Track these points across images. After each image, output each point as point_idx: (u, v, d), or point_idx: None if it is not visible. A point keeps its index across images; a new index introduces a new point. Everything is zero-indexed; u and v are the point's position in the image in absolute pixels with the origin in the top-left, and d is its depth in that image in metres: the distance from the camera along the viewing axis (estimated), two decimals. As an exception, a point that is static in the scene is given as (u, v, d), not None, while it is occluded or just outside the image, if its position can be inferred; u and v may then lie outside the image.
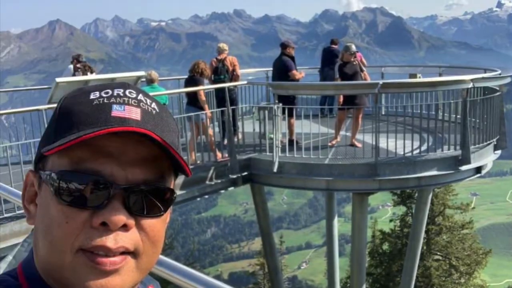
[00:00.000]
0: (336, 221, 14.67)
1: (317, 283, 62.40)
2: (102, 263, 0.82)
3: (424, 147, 9.68)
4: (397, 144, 9.13)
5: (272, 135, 9.50)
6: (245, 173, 9.82)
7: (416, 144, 9.62)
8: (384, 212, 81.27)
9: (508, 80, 10.36)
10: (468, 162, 9.17)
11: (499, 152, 10.55)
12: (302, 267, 77.54)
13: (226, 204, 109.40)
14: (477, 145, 9.66)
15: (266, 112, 9.93)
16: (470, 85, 9.08)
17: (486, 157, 9.97)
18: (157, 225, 0.88)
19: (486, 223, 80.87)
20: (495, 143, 10.33)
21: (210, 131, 9.88)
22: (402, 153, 9.17)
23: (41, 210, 0.87)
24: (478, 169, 9.83)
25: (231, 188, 10.18)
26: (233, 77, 10.97)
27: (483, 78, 9.88)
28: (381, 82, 9.36)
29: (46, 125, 1.20)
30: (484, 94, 10.04)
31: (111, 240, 0.82)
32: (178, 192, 8.43)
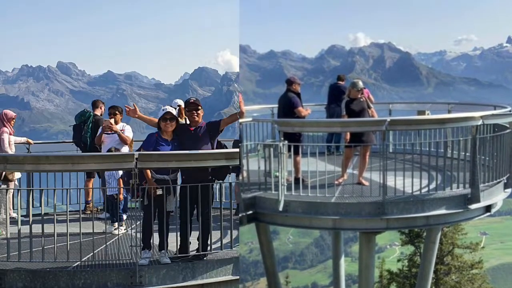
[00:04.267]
0: (343, 260, 14.50)
1: (324, 324, 61.35)
2: None
3: (432, 185, 9.52)
4: (405, 182, 8.99)
5: (277, 173, 9.36)
6: (250, 212, 9.65)
7: (425, 182, 9.48)
8: (392, 252, 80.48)
9: (518, 117, 10.26)
10: (478, 201, 9.04)
11: (509, 190, 10.39)
12: (308, 308, 76.40)
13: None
14: (486, 183, 9.51)
15: (272, 149, 9.80)
16: (480, 122, 9.01)
17: (496, 196, 9.82)
18: None
19: (496, 263, 79.76)
20: (505, 181, 10.19)
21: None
22: (410, 191, 9.02)
23: None
24: (487, 208, 9.66)
25: (236, 227, 9.99)
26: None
27: (493, 115, 9.82)
28: (388, 119, 9.28)
29: None
30: (494, 131, 9.91)
31: None
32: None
